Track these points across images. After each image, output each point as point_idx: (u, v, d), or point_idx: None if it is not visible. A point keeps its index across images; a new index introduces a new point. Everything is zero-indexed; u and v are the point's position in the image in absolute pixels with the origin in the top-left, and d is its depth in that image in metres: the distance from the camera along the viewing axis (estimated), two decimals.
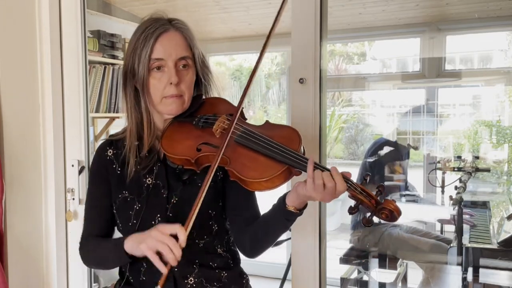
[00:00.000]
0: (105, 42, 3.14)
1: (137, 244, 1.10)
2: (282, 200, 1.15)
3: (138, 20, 3.47)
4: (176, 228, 1.06)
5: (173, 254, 1.04)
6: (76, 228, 2.09)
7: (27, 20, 2.00)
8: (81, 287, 2.11)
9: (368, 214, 1.04)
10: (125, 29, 3.41)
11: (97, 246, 1.28)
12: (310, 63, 1.60)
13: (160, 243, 1.05)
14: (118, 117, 3.30)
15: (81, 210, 2.08)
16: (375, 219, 1.07)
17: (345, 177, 1.04)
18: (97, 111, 3.13)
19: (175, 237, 1.05)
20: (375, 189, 1.05)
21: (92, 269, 2.14)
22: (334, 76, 5.54)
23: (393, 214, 1.01)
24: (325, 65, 1.64)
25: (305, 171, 1.06)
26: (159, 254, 1.05)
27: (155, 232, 1.07)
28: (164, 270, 1.05)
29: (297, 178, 1.11)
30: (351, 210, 1.05)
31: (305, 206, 1.14)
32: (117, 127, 3.33)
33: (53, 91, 2.04)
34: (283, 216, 1.15)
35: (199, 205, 1.08)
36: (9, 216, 1.92)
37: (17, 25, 1.96)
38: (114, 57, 3.22)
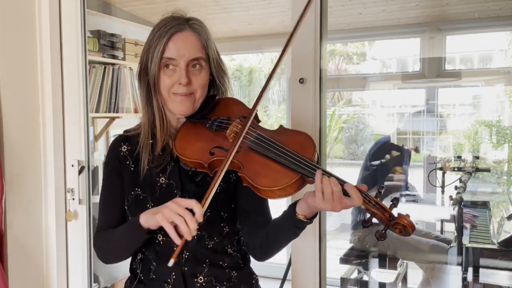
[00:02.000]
0: (105, 42, 3.14)
1: (153, 215, 1.09)
2: (293, 208, 1.14)
3: (138, 20, 3.50)
4: (193, 203, 1.04)
5: (188, 228, 1.01)
6: (76, 228, 2.09)
7: (27, 20, 2.00)
8: (81, 287, 2.11)
9: (382, 228, 1.02)
10: (125, 29, 3.41)
11: (112, 233, 1.27)
12: (310, 63, 1.60)
13: (176, 215, 1.03)
14: (118, 117, 3.30)
15: (81, 210, 2.08)
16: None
17: (360, 190, 1.03)
18: (97, 111, 3.13)
19: (192, 212, 1.04)
20: (389, 202, 1.03)
21: (92, 269, 2.14)
22: (334, 76, 5.54)
23: (407, 229, 0.99)
24: (325, 65, 1.64)
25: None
26: (175, 226, 1.04)
27: (171, 204, 1.06)
28: (178, 241, 1.02)
29: (310, 186, 1.10)
30: (365, 224, 1.04)
31: (316, 214, 1.13)
32: (117, 127, 3.33)
33: (53, 91, 2.04)
34: (293, 224, 1.14)
35: (215, 188, 1.06)
36: (9, 216, 1.92)
37: (17, 25, 1.96)
38: (114, 57, 3.22)
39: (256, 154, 1.12)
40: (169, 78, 1.20)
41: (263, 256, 1.27)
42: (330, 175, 1.05)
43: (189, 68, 1.20)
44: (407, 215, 1.00)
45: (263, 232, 1.23)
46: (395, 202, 1.03)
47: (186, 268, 1.22)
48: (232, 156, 1.10)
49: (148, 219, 1.12)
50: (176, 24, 1.20)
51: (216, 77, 1.27)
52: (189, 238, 1.02)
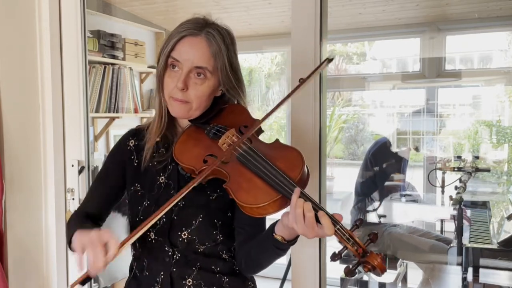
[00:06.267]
0: (105, 42, 3.14)
1: (76, 236, 1.09)
2: (272, 227, 1.11)
3: (138, 20, 3.50)
4: (112, 242, 1.02)
5: (94, 262, 1.00)
6: None
7: (27, 20, 2.00)
8: (81, 287, 2.10)
9: (352, 264, 0.97)
10: (125, 29, 3.41)
11: (72, 224, 1.26)
12: (310, 63, 1.60)
13: (90, 246, 1.02)
14: (118, 117, 3.30)
15: None
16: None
17: (335, 220, 0.97)
18: (97, 111, 3.13)
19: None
20: (367, 236, 0.98)
21: None
22: (334, 76, 5.54)
23: (376, 271, 0.94)
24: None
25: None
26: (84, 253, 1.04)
27: (94, 233, 1.05)
28: (80, 269, 1.03)
29: None
30: (334, 257, 0.97)
31: (297, 237, 1.09)
32: (117, 127, 3.33)
33: (53, 91, 2.04)
34: (271, 243, 1.11)
35: (152, 221, 1.05)
36: (9, 216, 1.92)
37: (17, 25, 1.96)
38: (114, 57, 3.22)
39: (243, 167, 1.09)
40: (171, 80, 1.19)
41: (246, 270, 1.25)
42: (307, 198, 1.01)
43: (191, 74, 1.17)
44: (380, 255, 0.95)
45: (249, 246, 1.20)
46: (373, 238, 0.98)
47: (174, 269, 1.21)
48: (214, 167, 1.08)
49: (74, 239, 1.11)
50: (193, 27, 1.18)
51: (225, 90, 1.23)
52: (92, 275, 1.02)
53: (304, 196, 1.01)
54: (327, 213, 0.98)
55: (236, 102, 1.28)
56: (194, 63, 1.16)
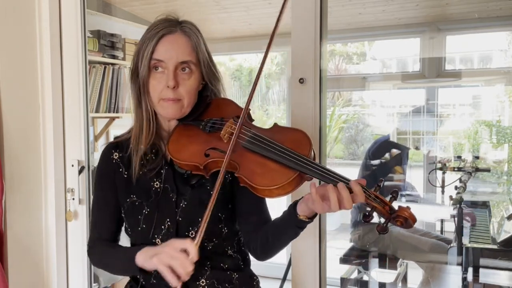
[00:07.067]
0: (105, 42, 3.14)
1: (149, 258, 1.11)
2: (293, 208, 1.14)
3: (138, 20, 3.50)
4: (187, 244, 1.06)
5: (184, 269, 1.04)
6: (76, 228, 2.09)
7: (27, 20, 2.00)
8: (81, 287, 2.11)
9: (383, 221, 1.02)
10: (125, 29, 3.40)
11: (106, 253, 1.29)
12: (310, 63, 1.60)
13: (172, 259, 1.05)
14: (118, 117, 3.30)
15: (81, 210, 2.08)
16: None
17: (359, 184, 1.02)
18: (97, 111, 3.13)
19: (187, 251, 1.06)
20: (389, 194, 1.03)
21: (92, 270, 2.14)
22: (334, 76, 5.54)
23: (408, 222, 0.99)
24: (325, 65, 1.64)
25: (316, 177, 1.04)
26: (171, 268, 1.06)
27: (167, 248, 1.08)
28: (176, 283, 1.05)
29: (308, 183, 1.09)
30: (366, 218, 1.03)
31: (316, 213, 1.13)
32: (117, 127, 3.33)
33: (53, 91, 2.04)
34: (294, 224, 1.14)
35: (209, 216, 1.06)
36: (9, 216, 1.92)
37: (17, 25, 1.96)
38: (114, 57, 3.22)
39: (252, 154, 1.11)
40: (158, 82, 1.19)
41: (264, 256, 1.27)
42: (330, 173, 1.04)
43: (177, 71, 1.18)
44: (408, 207, 1.00)
45: (263, 233, 1.23)
46: (394, 195, 1.03)
47: None
48: (229, 157, 1.09)
49: (145, 261, 1.13)
50: (167, 26, 1.19)
51: (208, 81, 1.26)
52: (186, 279, 1.05)
53: (327, 172, 1.04)
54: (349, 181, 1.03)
55: (214, 96, 1.29)
56: (179, 59, 1.18)
